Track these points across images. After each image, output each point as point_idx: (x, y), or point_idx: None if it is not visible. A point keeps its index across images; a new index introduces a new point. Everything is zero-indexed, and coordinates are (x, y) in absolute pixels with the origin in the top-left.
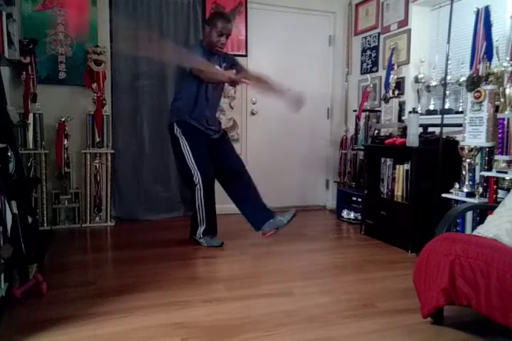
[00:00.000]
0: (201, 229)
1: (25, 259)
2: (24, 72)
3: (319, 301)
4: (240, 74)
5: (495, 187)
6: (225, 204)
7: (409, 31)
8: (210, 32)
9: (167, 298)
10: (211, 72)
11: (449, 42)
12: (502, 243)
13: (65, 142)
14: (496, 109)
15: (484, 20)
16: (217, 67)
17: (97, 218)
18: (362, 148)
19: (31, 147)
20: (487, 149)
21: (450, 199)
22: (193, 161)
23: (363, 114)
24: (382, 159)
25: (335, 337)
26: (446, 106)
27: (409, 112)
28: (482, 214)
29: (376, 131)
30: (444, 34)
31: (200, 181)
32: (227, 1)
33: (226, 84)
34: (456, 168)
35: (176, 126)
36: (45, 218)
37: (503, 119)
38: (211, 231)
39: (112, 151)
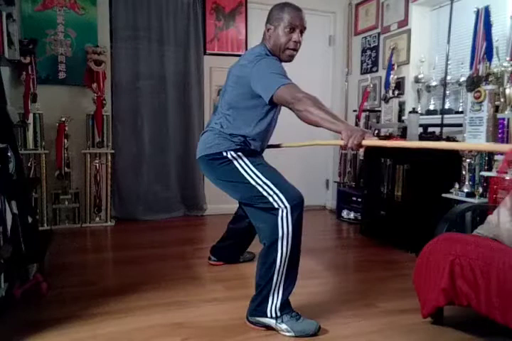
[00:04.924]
0: (277, 302)
1: (25, 259)
2: (24, 72)
3: (319, 301)
4: None
5: (495, 187)
6: (224, 204)
7: (409, 31)
8: (275, 31)
9: (167, 298)
10: (326, 118)
11: (449, 42)
12: (502, 243)
13: (65, 142)
14: (496, 109)
15: (484, 20)
16: None
17: (97, 218)
18: None
19: (31, 147)
20: None
21: (450, 199)
22: (265, 182)
23: (363, 114)
24: (382, 159)
25: (335, 337)
26: (446, 106)
27: (409, 112)
28: (482, 214)
29: (376, 131)
30: (444, 34)
31: (288, 206)
32: (227, 1)
33: None
34: (456, 168)
35: (225, 153)
36: (45, 218)
37: (503, 119)
38: (289, 303)
39: (112, 151)
